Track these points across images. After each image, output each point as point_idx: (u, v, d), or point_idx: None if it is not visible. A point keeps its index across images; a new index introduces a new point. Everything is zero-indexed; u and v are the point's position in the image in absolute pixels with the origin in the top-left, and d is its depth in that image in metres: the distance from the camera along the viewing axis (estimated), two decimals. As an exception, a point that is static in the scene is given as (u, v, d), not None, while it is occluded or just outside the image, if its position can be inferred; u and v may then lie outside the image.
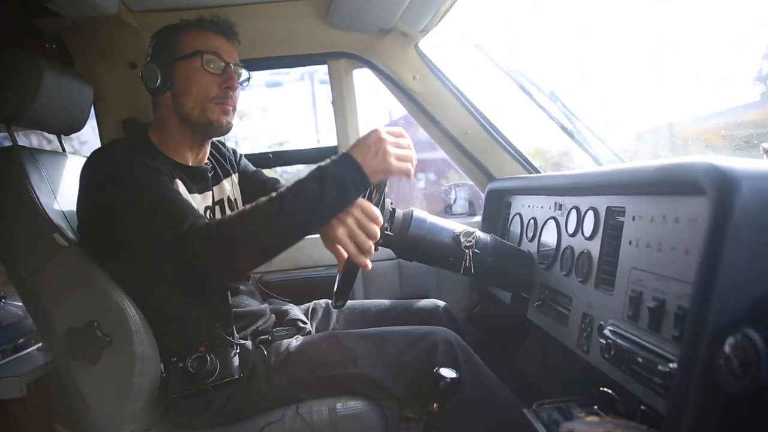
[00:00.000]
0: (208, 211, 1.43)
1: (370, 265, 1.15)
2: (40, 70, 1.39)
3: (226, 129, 1.39)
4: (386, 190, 1.30)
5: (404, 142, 1.15)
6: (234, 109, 1.40)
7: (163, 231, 1.12)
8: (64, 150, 1.67)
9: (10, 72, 1.36)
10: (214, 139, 1.49)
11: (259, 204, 1.09)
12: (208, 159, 1.51)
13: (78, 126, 1.65)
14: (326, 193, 1.07)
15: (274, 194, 1.09)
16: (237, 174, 1.64)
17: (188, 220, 1.11)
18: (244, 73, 1.45)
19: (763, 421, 0.70)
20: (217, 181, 1.52)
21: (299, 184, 1.09)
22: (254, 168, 1.71)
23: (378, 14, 1.83)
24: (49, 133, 1.67)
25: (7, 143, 1.41)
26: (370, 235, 1.13)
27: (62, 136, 1.66)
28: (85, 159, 1.62)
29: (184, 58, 1.35)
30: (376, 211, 1.15)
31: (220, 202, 1.50)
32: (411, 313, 1.65)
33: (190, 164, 1.42)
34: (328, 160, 1.12)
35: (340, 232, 1.12)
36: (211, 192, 1.47)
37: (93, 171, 1.28)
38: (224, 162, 1.59)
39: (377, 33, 1.96)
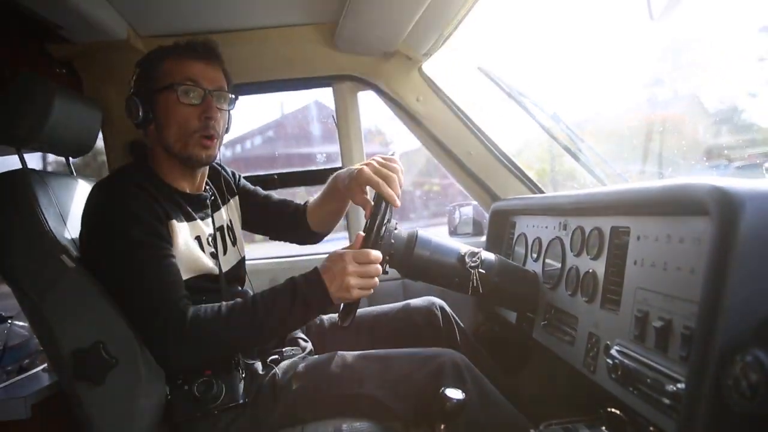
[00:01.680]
0: (210, 238, 1.43)
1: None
2: (51, 94, 1.41)
3: (206, 161, 1.39)
4: (388, 217, 1.33)
5: (370, 269, 1.23)
6: (218, 137, 1.38)
7: (141, 305, 1.21)
8: (72, 172, 1.69)
9: (22, 96, 1.38)
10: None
11: (234, 309, 1.20)
12: (208, 186, 1.52)
13: (86, 148, 1.67)
14: (293, 311, 1.21)
15: (249, 300, 1.22)
16: (237, 196, 1.66)
17: (166, 307, 1.19)
18: (228, 97, 1.41)
19: (773, 442, 0.70)
20: (216, 208, 1.52)
21: (272, 297, 1.22)
22: (252, 187, 1.73)
23: (382, 38, 1.86)
24: (58, 155, 1.69)
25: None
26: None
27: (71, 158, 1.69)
28: (92, 181, 1.65)
29: (162, 90, 1.33)
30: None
31: (220, 229, 1.50)
32: (407, 314, 1.66)
33: (188, 191, 1.43)
34: (301, 277, 1.24)
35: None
36: (211, 219, 1.47)
37: (92, 209, 1.30)
38: (223, 186, 1.59)
39: (381, 56, 2.00)
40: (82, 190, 1.57)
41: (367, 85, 2.07)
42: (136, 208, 1.24)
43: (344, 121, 2.10)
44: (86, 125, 1.62)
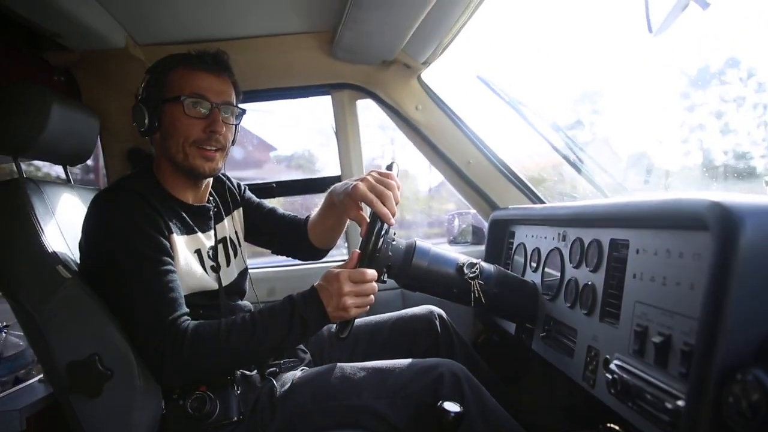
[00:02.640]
0: (210, 252, 1.43)
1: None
2: (49, 103, 1.40)
3: (209, 174, 1.38)
4: (386, 229, 1.32)
5: (366, 288, 1.23)
6: (223, 150, 1.38)
7: (140, 321, 1.20)
8: (69, 180, 1.68)
9: (19, 104, 1.38)
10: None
11: (234, 327, 1.20)
12: (211, 196, 1.51)
13: (84, 157, 1.66)
14: (292, 330, 1.21)
15: (248, 318, 1.22)
16: (241, 207, 1.65)
17: (165, 324, 1.18)
18: (237, 110, 1.41)
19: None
20: (219, 219, 1.51)
21: (271, 316, 1.22)
22: (257, 199, 1.72)
23: (381, 47, 1.85)
24: (56, 164, 1.69)
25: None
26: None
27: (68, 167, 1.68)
28: (89, 190, 1.65)
29: (170, 100, 1.32)
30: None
31: (223, 241, 1.50)
32: (405, 322, 1.65)
33: (191, 202, 1.42)
34: (299, 296, 1.24)
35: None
36: (213, 231, 1.47)
37: (94, 220, 1.29)
38: (227, 197, 1.58)
39: (380, 65, 1.99)
40: (79, 199, 1.56)
41: (366, 93, 2.06)
42: (138, 220, 1.24)
43: (343, 129, 2.09)
44: (84, 133, 1.61)
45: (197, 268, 1.36)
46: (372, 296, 1.25)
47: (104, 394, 1.23)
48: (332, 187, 1.49)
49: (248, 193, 1.71)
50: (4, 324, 1.74)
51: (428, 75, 2.05)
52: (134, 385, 1.22)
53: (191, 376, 1.23)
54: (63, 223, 1.41)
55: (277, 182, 2.16)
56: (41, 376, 1.62)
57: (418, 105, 2.05)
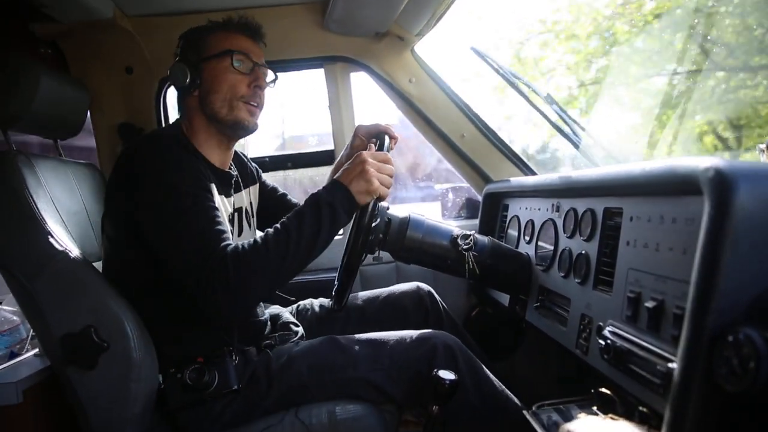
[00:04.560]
0: (228, 217, 1.43)
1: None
2: (36, 75, 1.39)
3: (252, 129, 1.41)
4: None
5: (387, 168, 1.28)
6: (261, 108, 1.42)
7: (191, 248, 1.16)
8: (61, 155, 1.67)
9: (6, 77, 1.36)
10: (237, 150, 1.55)
11: (268, 237, 1.18)
12: (232, 167, 1.51)
13: (74, 131, 1.65)
14: (323, 220, 1.20)
15: (278, 226, 1.20)
16: (258, 185, 1.67)
17: (212, 246, 1.15)
18: (271, 74, 1.48)
19: (764, 421, 0.70)
20: (238, 189, 1.52)
21: (299, 216, 1.21)
22: (272, 183, 1.75)
23: (374, 18, 1.83)
24: (46, 138, 1.67)
25: None
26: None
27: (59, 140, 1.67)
28: (82, 164, 1.63)
29: (213, 57, 1.36)
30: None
31: (239, 210, 1.50)
32: (395, 298, 1.67)
33: (217, 165, 1.42)
34: (321, 188, 1.26)
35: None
36: (233, 199, 1.47)
37: (134, 165, 1.24)
38: (245, 172, 1.61)
39: (373, 37, 1.97)
40: (71, 172, 1.55)
41: (359, 66, 2.04)
42: (186, 162, 1.25)
43: (336, 103, 2.08)
44: (73, 107, 1.60)
45: (227, 222, 1.35)
46: (391, 182, 1.29)
47: (100, 366, 1.23)
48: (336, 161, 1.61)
49: (264, 177, 1.74)
50: (-2, 300, 1.74)
51: (422, 47, 2.04)
52: (130, 356, 1.23)
53: (244, 298, 1.18)
54: (55, 196, 1.40)
55: (270, 156, 2.15)
56: (37, 350, 1.63)
57: (411, 78, 2.04)
